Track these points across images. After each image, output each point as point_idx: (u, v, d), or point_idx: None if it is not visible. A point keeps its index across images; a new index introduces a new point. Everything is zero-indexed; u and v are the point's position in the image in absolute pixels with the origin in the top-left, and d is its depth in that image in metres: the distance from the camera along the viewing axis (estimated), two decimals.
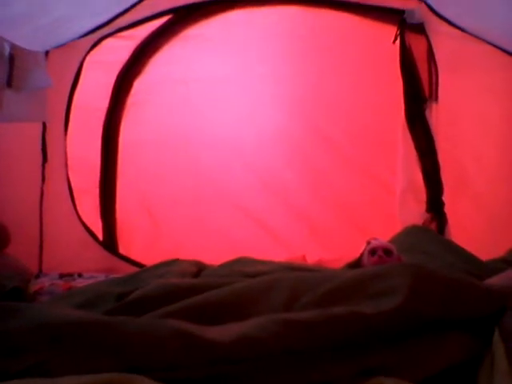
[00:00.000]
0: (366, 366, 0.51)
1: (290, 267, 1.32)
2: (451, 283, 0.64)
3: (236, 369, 0.44)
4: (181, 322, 0.54)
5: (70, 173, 2.09)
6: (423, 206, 1.84)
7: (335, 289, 0.64)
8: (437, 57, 1.83)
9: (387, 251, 1.29)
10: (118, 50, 2.06)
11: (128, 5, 1.87)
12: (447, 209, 1.83)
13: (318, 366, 0.47)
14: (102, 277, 1.84)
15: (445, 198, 1.83)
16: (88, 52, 2.00)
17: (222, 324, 0.60)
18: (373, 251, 1.29)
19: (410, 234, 1.56)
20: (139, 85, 2.12)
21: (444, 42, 1.81)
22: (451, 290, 0.62)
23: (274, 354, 0.47)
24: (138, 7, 1.88)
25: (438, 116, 1.84)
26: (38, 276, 1.88)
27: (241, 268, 1.33)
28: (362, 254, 1.36)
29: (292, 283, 0.75)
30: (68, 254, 2.04)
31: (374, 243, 1.32)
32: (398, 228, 1.74)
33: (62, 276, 1.89)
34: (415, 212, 1.83)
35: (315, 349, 0.48)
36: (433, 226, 1.81)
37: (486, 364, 0.54)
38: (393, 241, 1.46)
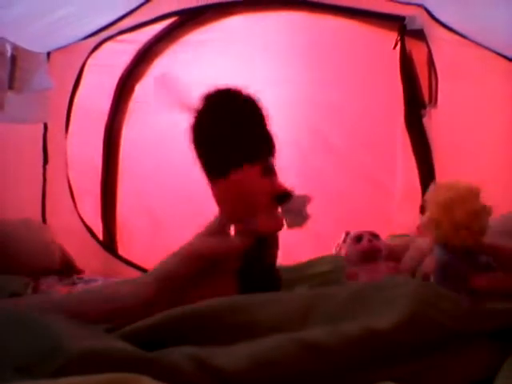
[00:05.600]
0: (379, 378, 0.49)
1: None
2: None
3: None
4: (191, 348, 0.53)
5: (70, 174, 2.10)
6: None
7: (336, 306, 0.61)
8: (436, 62, 1.83)
9: (374, 235, 1.15)
10: (120, 53, 2.08)
11: (131, 7, 1.88)
12: None
13: None
14: (100, 280, 1.84)
15: None
16: (89, 54, 2.01)
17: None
18: (358, 238, 1.15)
19: None
20: (141, 88, 2.14)
21: (444, 48, 1.82)
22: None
23: (288, 376, 0.47)
24: (140, 10, 1.89)
25: (438, 121, 1.85)
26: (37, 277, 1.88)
27: None
28: (339, 246, 1.22)
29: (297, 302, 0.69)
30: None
31: (356, 231, 1.18)
32: (396, 232, 1.74)
33: (61, 278, 1.89)
34: (413, 215, 1.84)
35: (328, 369, 0.47)
36: None
37: (502, 377, 0.50)
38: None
